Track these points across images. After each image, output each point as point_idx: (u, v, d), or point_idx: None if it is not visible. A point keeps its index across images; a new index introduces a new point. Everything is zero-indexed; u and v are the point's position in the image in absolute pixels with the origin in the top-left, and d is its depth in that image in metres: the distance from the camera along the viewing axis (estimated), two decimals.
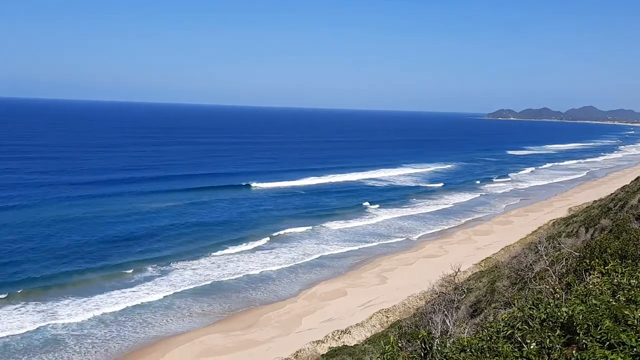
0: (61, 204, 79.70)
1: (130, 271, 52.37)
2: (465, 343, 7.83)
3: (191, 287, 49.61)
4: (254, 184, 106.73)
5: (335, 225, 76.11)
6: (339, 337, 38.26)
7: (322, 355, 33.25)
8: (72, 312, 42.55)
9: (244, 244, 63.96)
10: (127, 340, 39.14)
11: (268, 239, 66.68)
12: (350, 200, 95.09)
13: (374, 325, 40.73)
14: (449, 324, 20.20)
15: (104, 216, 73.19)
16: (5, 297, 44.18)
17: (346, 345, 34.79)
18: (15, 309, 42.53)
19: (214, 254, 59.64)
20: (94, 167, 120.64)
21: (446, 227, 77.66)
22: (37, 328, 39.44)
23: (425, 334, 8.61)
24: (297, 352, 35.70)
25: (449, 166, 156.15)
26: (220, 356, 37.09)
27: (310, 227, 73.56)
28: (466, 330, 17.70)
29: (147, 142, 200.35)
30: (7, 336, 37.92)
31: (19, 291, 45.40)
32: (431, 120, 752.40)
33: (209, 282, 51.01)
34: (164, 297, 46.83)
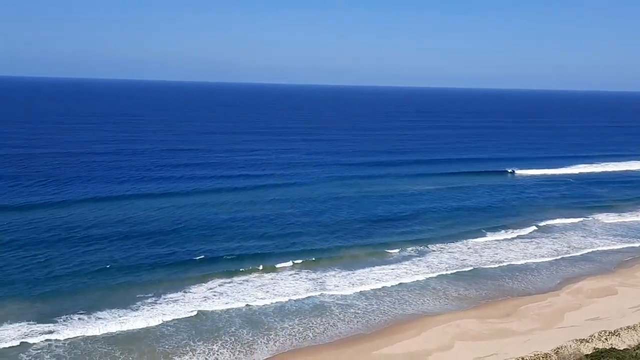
0: (334, 182, 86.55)
1: (391, 250, 54.84)
2: None
3: (447, 270, 50.24)
4: (517, 171, 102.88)
5: (607, 218, 70.01)
6: (606, 339, 35.44)
7: (586, 355, 31.33)
8: (338, 283, 46.25)
9: (504, 231, 62.43)
10: (386, 315, 41.27)
11: (530, 228, 64.07)
12: (628, 192, 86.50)
13: None
14: None
15: (371, 196, 77.52)
16: (289, 265, 49.68)
17: (614, 348, 32.23)
18: (291, 275, 47.73)
19: (471, 239, 59.35)
20: (362, 150, 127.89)
21: None
22: (308, 296, 43.64)
23: None
24: (558, 348, 34.00)
25: None
26: (475, 341, 37.05)
27: (579, 219, 68.80)
28: None
29: (411, 125, 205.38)
30: (287, 300, 42.74)
31: (298, 261, 50.60)
32: None
33: (465, 267, 51.04)
34: (422, 277, 48.24)
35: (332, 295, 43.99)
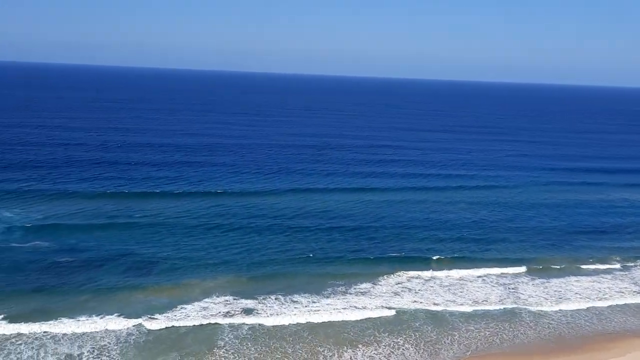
0: (539, 188, 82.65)
1: (594, 262, 51.31)
2: None
3: None
4: None
5: None
6: None
7: None
8: (532, 292, 44.50)
9: None
10: (583, 329, 38.93)
11: None
12: None
13: None
14: None
15: (581, 204, 72.95)
16: (480, 269, 48.57)
17: None
18: (481, 278, 46.91)
19: None
20: (571, 154, 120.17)
21: None
22: (498, 301, 42.62)
23: None
24: None
25: None
26: None
27: None
28: None
29: (627, 130, 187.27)
30: (474, 303, 42.25)
31: (491, 266, 49.32)
32: None
33: None
34: (627, 294, 44.74)
35: (524, 302, 42.48)
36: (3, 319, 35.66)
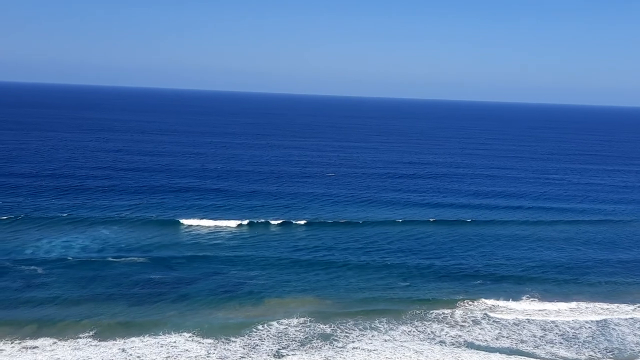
0: None
1: None
2: None
3: None
4: None
5: None
6: None
7: None
8: (627, 332, 41.54)
9: None
10: None
11: None
12: None
13: None
14: None
15: None
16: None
17: None
18: (575, 317, 44.51)
19: None
20: None
21: None
22: (591, 345, 40.35)
23: None
24: None
25: None
26: None
27: None
28: None
29: None
30: (573, 345, 39.97)
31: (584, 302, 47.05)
32: None
33: None
34: None
35: (617, 341, 40.10)
36: (94, 335, 37.71)
